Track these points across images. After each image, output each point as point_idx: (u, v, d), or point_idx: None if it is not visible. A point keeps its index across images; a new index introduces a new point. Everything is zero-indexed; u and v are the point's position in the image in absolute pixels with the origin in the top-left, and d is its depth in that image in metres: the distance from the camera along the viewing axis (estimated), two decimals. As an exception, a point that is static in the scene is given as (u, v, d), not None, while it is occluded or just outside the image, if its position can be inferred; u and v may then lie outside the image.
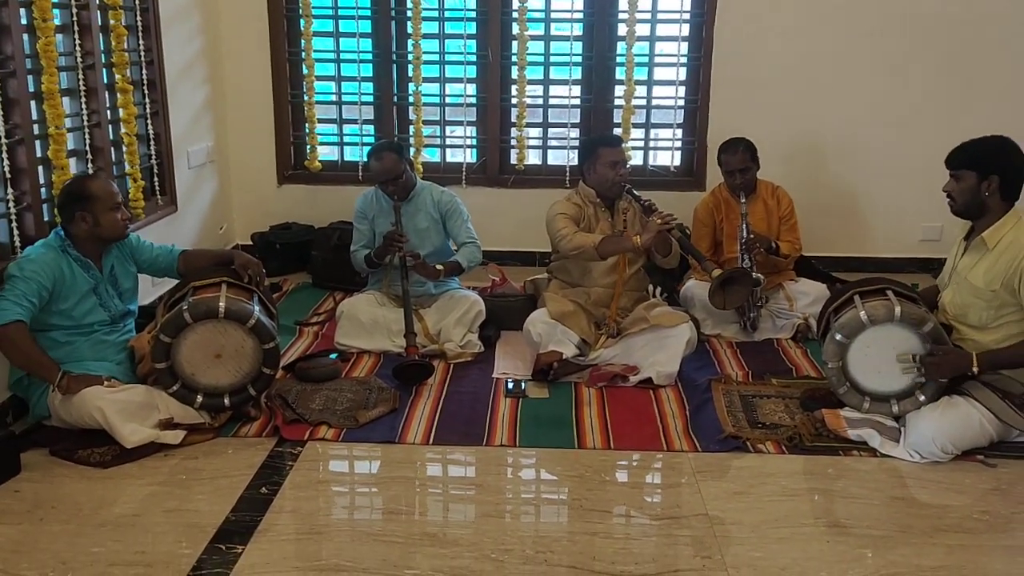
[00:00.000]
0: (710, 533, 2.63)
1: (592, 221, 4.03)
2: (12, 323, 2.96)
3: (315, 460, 3.11)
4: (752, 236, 4.17)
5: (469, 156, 5.51)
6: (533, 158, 5.54)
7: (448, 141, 5.56)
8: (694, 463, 3.07)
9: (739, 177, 4.31)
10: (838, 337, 3.15)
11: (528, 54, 5.25)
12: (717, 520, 2.69)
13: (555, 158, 5.59)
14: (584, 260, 3.96)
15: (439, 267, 4.05)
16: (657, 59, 5.35)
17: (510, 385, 3.68)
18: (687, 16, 5.25)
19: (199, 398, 3.19)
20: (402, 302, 4.09)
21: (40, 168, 3.54)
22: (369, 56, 5.39)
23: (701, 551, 2.55)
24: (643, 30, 5.24)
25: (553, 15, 5.32)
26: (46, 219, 3.57)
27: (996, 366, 3.04)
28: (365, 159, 5.47)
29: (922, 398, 3.10)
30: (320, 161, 5.47)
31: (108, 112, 3.99)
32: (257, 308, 3.27)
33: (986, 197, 3.11)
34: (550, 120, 5.51)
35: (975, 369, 3.02)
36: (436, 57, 5.36)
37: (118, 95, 4.06)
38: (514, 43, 5.26)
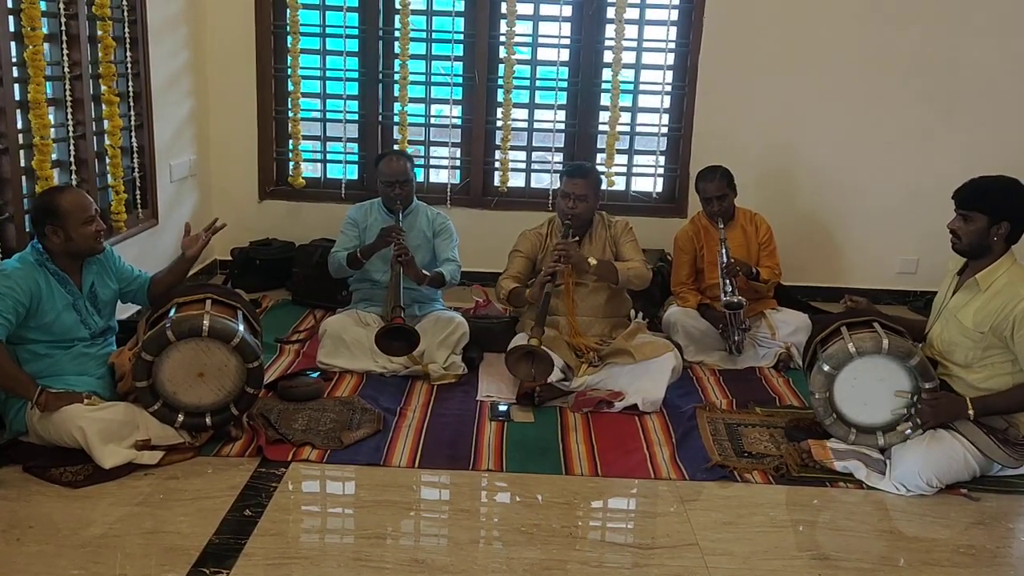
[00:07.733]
0: (702, 564, 2.62)
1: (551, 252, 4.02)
2: None
3: (299, 482, 3.06)
4: (732, 260, 4.19)
5: (453, 177, 5.51)
6: (516, 181, 5.55)
7: (432, 161, 5.56)
8: (682, 491, 3.06)
9: (716, 204, 4.35)
10: (826, 368, 3.17)
11: (514, 78, 5.27)
12: (708, 551, 2.68)
13: (538, 181, 5.60)
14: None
15: (425, 272, 4.05)
16: (642, 87, 5.39)
17: (501, 408, 3.66)
18: (672, 46, 5.31)
19: (180, 417, 3.13)
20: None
21: (23, 178, 3.47)
22: (355, 75, 5.38)
23: (693, 582, 2.54)
24: (629, 58, 5.29)
25: (540, 40, 5.34)
26: (28, 229, 3.50)
27: (990, 412, 3.07)
28: (350, 176, 5.48)
29: (907, 431, 3.12)
30: (303, 178, 5.44)
31: (93, 124, 3.94)
32: (242, 327, 3.21)
33: (993, 241, 3.10)
34: (534, 144, 5.53)
35: (970, 414, 3.04)
36: (422, 78, 5.36)
37: (104, 106, 4.01)
38: (501, 67, 5.28)
